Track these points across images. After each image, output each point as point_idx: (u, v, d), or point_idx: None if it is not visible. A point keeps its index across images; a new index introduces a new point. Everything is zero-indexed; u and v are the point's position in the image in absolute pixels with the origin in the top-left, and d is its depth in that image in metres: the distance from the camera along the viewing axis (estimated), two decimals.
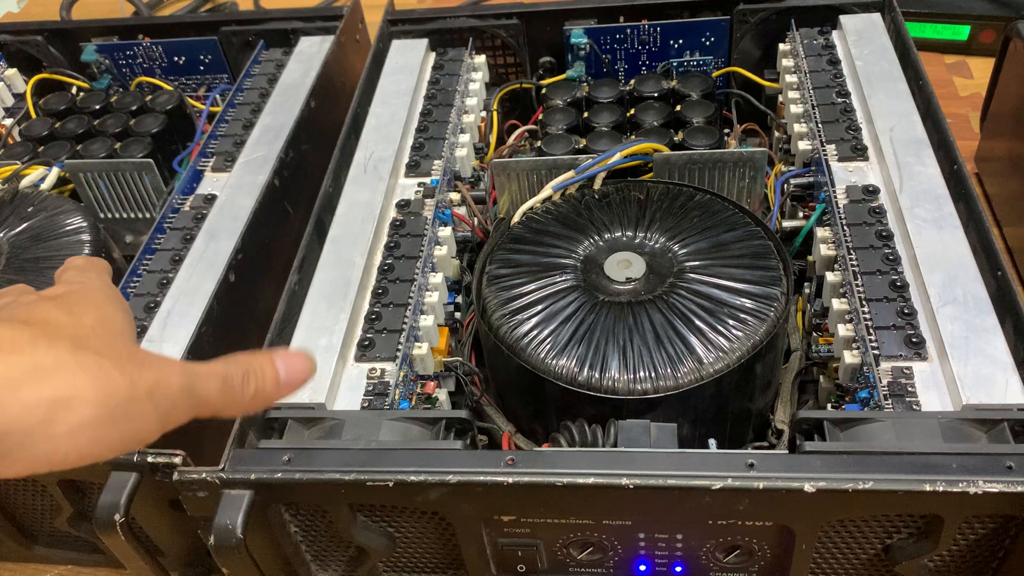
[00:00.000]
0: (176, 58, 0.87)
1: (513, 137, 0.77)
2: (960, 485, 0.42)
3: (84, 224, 0.68)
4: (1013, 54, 0.71)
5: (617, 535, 0.48)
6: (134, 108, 0.81)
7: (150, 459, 0.48)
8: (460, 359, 0.60)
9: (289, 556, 0.52)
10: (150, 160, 0.72)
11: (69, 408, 0.28)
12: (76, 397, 0.29)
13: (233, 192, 0.68)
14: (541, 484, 0.45)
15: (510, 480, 0.45)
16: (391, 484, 0.45)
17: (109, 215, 0.74)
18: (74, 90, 0.86)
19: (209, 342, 0.57)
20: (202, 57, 0.87)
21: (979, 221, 0.56)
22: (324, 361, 0.53)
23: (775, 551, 0.48)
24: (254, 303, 0.63)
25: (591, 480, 0.44)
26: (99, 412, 0.29)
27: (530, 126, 0.78)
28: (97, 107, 0.82)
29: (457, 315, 0.63)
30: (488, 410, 0.61)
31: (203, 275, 0.61)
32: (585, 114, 0.74)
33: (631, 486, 0.44)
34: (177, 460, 0.48)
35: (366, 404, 0.52)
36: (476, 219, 0.69)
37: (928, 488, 0.42)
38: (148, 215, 0.74)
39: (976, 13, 0.93)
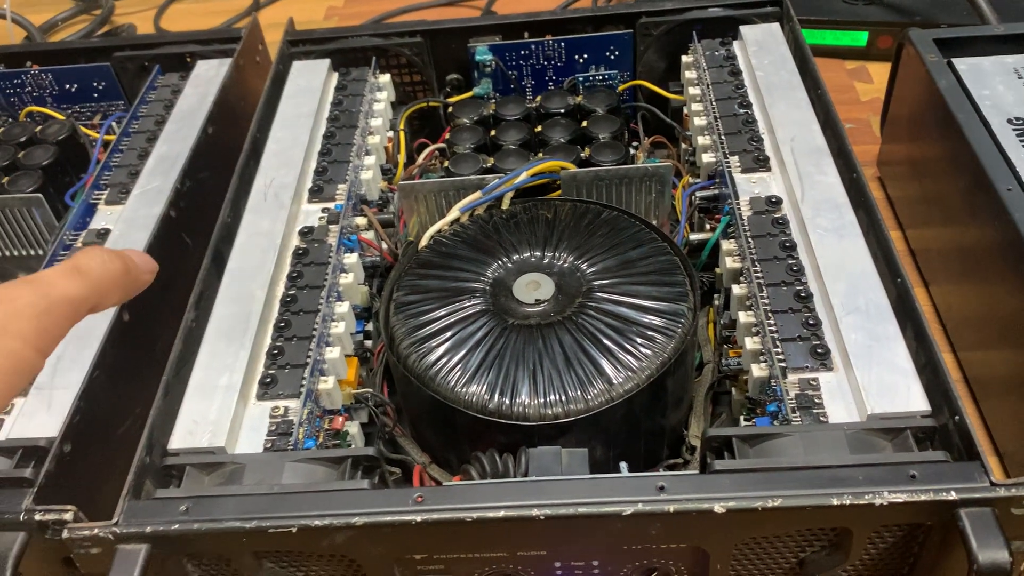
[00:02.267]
0: (68, 85, 0.84)
1: (422, 157, 0.76)
2: (866, 497, 0.42)
3: None
4: (906, 60, 0.72)
5: (533, 565, 0.47)
6: (23, 139, 0.77)
7: (38, 516, 0.45)
8: (371, 390, 0.59)
9: None
10: (39, 195, 0.69)
11: None
12: None
13: (127, 226, 0.65)
14: (451, 520, 0.43)
15: (419, 519, 0.43)
16: (294, 530, 0.43)
17: None
18: None
19: (103, 387, 0.54)
20: (95, 84, 0.83)
21: (878, 228, 0.56)
22: (224, 402, 0.51)
23: (692, 571, 0.48)
24: (152, 343, 0.61)
25: (502, 513, 0.43)
26: None
27: (439, 144, 0.76)
28: None
29: (368, 343, 0.62)
30: (402, 441, 0.60)
31: (95, 316, 0.56)
32: (492, 132, 0.73)
33: (542, 516, 0.43)
34: (68, 516, 0.45)
35: (269, 445, 0.50)
36: (384, 244, 0.67)
37: (836, 502, 0.42)
38: (39, 252, 0.70)
39: (873, 20, 0.95)
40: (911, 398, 0.48)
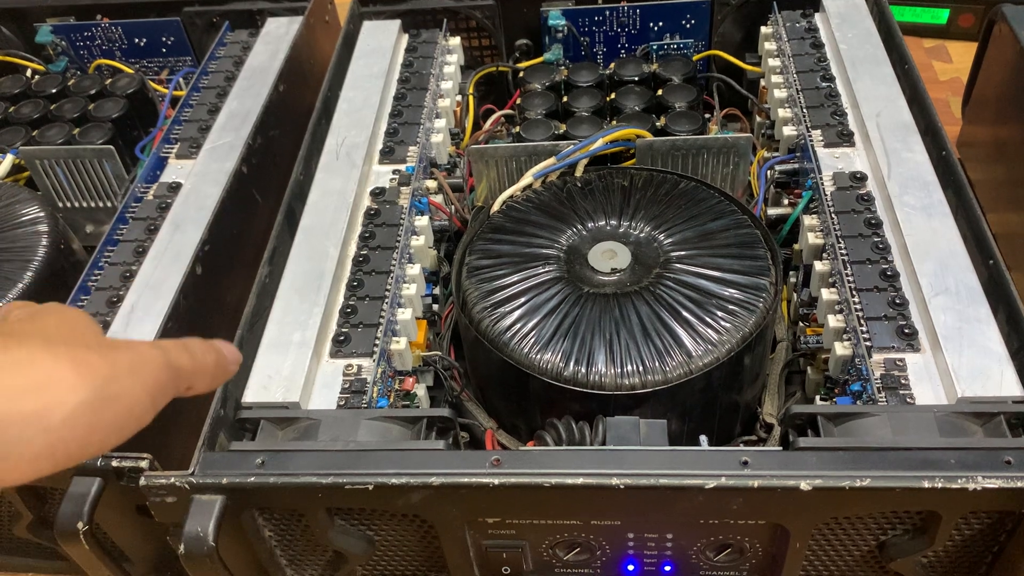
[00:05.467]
0: (137, 40, 0.84)
1: (490, 122, 0.75)
2: (959, 481, 0.41)
3: (41, 214, 0.65)
4: (997, 38, 0.70)
5: (605, 535, 0.47)
6: (93, 92, 0.78)
7: (115, 463, 0.46)
8: (439, 353, 0.58)
9: (263, 561, 0.50)
10: (110, 146, 0.69)
11: (57, 395, 0.28)
12: (60, 382, 0.28)
13: (199, 180, 0.65)
14: (528, 485, 0.43)
15: (496, 482, 0.43)
16: (371, 487, 0.43)
17: (68, 204, 0.71)
18: (28, 73, 0.82)
19: (176, 338, 0.54)
20: (164, 39, 0.83)
21: (969, 208, 0.55)
22: (298, 358, 0.51)
23: (767, 549, 0.47)
24: (222, 297, 0.61)
25: (580, 481, 0.42)
26: (87, 395, 0.29)
27: (507, 111, 0.75)
28: (53, 91, 0.78)
29: (435, 307, 0.61)
30: (468, 406, 0.59)
31: (168, 267, 0.58)
32: (564, 98, 0.72)
33: (622, 486, 0.42)
34: (143, 464, 0.46)
35: (342, 403, 0.50)
36: (453, 207, 0.67)
37: (927, 484, 0.41)
38: (109, 204, 0.71)
39: None
40: (1004, 383, 0.46)
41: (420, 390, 0.56)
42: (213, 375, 0.37)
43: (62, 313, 0.34)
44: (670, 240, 0.57)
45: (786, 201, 0.64)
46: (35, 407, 0.27)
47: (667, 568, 0.49)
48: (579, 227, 0.59)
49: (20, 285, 0.60)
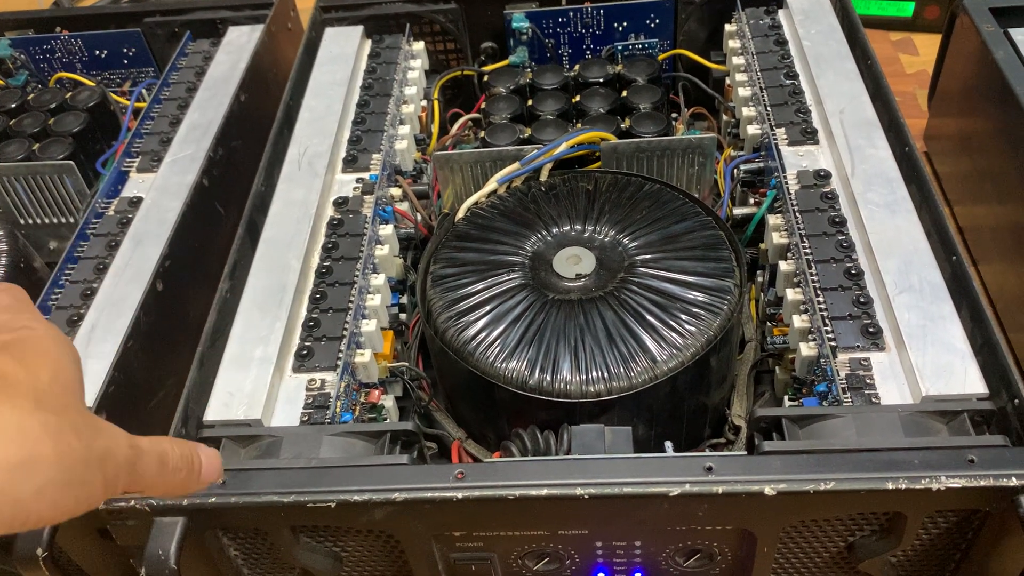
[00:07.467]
0: (98, 52, 0.83)
1: (456, 126, 0.74)
2: (923, 482, 0.41)
3: (0, 232, 0.64)
4: (959, 31, 0.70)
5: (574, 544, 0.47)
6: (53, 106, 0.76)
7: None
8: (406, 364, 0.58)
9: None
10: (71, 162, 0.68)
11: (33, 470, 0.28)
12: (40, 460, 0.28)
13: (160, 194, 0.64)
14: (493, 498, 0.42)
15: (460, 495, 0.42)
16: (333, 505, 0.43)
17: (29, 220, 0.70)
18: None
19: (137, 357, 0.54)
20: (125, 50, 0.82)
21: (932, 204, 0.55)
22: (259, 374, 0.50)
23: (736, 554, 0.47)
24: (185, 313, 0.60)
25: (544, 492, 0.42)
26: (59, 476, 0.29)
27: (473, 114, 0.75)
28: (13, 106, 0.77)
29: (402, 316, 0.61)
30: (437, 415, 0.59)
31: (129, 284, 0.57)
32: (529, 102, 0.72)
33: (586, 496, 0.42)
34: None
35: (305, 418, 0.49)
36: (419, 215, 0.66)
37: (891, 486, 0.41)
38: (71, 220, 0.70)
39: None
40: (968, 380, 0.46)
41: (388, 401, 0.56)
42: (171, 490, 0.35)
43: (55, 361, 0.32)
44: (634, 244, 0.57)
45: (752, 200, 0.64)
46: (10, 478, 0.27)
47: (638, 574, 0.49)
48: (544, 233, 0.59)
49: None
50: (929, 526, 0.44)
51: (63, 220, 0.70)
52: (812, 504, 0.42)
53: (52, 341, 0.33)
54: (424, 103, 0.76)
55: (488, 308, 0.54)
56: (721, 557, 0.47)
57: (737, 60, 0.71)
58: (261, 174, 0.62)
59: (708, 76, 0.76)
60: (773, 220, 0.58)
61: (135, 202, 0.64)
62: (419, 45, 0.78)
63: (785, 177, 0.59)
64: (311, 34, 0.76)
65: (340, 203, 0.61)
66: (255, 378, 0.50)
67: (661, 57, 0.77)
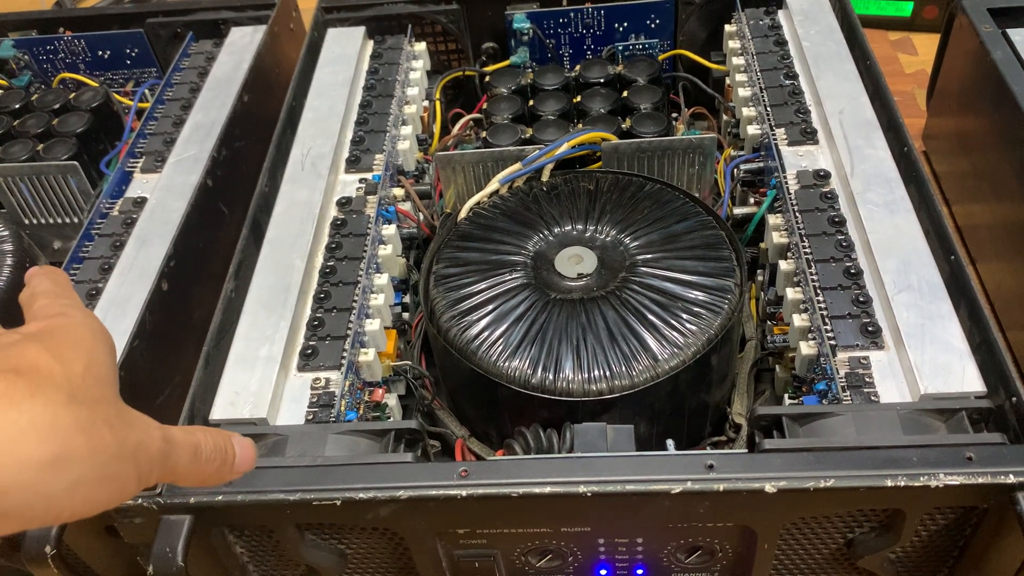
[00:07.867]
0: (101, 52, 0.83)
1: (458, 127, 0.75)
2: (921, 479, 0.41)
3: (5, 232, 0.64)
4: (958, 30, 0.70)
5: (576, 541, 0.47)
6: (57, 107, 0.77)
7: None
8: (409, 363, 0.58)
9: None
10: (75, 162, 0.68)
11: (66, 466, 0.28)
12: (73, 456, 0.28)
13: (164, 194, 0.64)
14: (496, 495, 0.43)
15: (464, 493, 0.43)
16: (339, 503, 0.43)
17: (33, 221, 0.71)
18: None
19: (142, 356, 0.54)
20: (128, 51, 0.83)
21: (931, 204, 0.55)
22: (265, 373, 0.51)
23: (737, 550, 0.47)
24: (190, 312, 0.60)
25: (547, 489, 0.43)
26: (92, 472, 0.29)
27: (475, 115, 0.75)
28: (16, 106, 0.77)
29: (405, 316, 0.61)
30: (440, 414, 0.59)
31: (134, 284, 0.58)
32: (531, 102, 0.72)
33: (589, 493, 0.42)
34: None
35: (310, 417, 0.49)
36: (421, 215, 0.67)
37: (889, 483, 0.41)
38: (76, 220, 0.70)
39: None
40: (966, 378, 0.47)
41: (392, 400, 0.56)
42: (205, 481, 0.35)
43: (89, 352, 0.32)
44: (636, 243, 0.58)
45: (752, 200, 0.65)
46: (44, 475, 0.27)
47: (639, 571, 0.49)
48: (546, 232, 0.60)
49: None
50: (928, 523, 0.45)
51: (67, 220, 0.70)
52: (812, 501, 0.42)
53: (87, 330, 0.33)
54: (426, 103, 0.76)
55: (491, 307, 0.55)
56: (722, 554, 0.47)
57: (737, 60, 0.71)
58: (265, 174, 0.63)
59: (708, 76, 0.77)
60: (773, 220, 0.59)
61: (139, 202, 0.64)
62: (421, 46, 0.79)
63: (785, 177, 0.59)
64: (313, 35, 0.77)
65: (343, 203, 0.62)
66: (260, 377, 0.51)
67: (661, 57, 0.77)
